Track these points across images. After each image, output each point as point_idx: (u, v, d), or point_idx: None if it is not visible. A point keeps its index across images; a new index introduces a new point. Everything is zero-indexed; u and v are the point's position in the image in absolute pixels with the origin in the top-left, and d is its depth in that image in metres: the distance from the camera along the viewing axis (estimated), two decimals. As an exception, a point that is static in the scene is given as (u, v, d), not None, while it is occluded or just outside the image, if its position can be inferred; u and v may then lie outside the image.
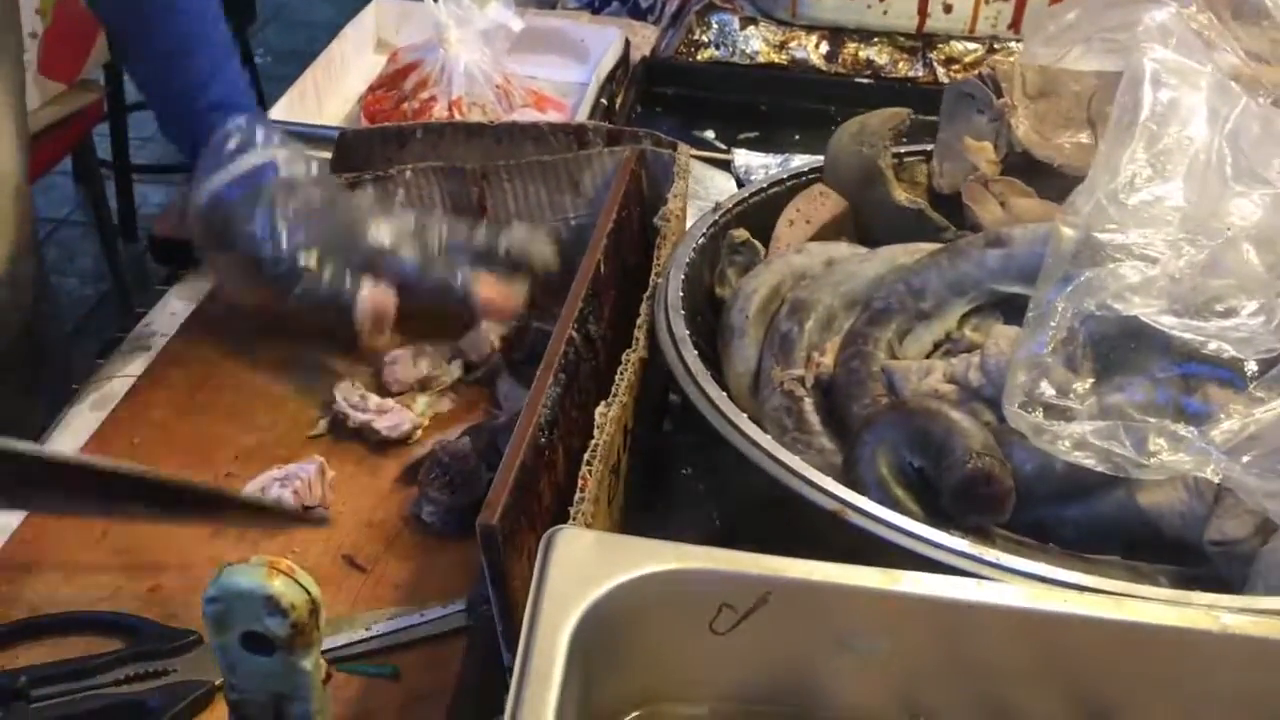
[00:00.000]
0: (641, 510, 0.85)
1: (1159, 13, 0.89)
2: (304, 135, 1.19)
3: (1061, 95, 0.92)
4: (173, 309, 1.11)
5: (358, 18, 1.51)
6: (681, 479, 0.91)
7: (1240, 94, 0.82)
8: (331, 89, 1.41)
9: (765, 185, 1.00)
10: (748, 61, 1.53)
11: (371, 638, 0.77)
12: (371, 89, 1.37)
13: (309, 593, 0.52)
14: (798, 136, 1.43)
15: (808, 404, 0.81)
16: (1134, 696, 0.63)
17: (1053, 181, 0.88)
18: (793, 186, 1.00)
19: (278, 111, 1.27)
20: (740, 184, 1.29)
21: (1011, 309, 0.81)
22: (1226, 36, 0.91)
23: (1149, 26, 0.88)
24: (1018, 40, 1.52)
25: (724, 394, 0.76)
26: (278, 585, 0.51)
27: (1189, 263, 0.73)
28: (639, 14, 1.88)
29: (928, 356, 0.82)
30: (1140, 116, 0.78)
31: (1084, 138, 0.89)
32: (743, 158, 1.35)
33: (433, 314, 1.01)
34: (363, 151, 1.15)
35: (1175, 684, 0.62)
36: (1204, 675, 0.61)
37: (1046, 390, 0.70)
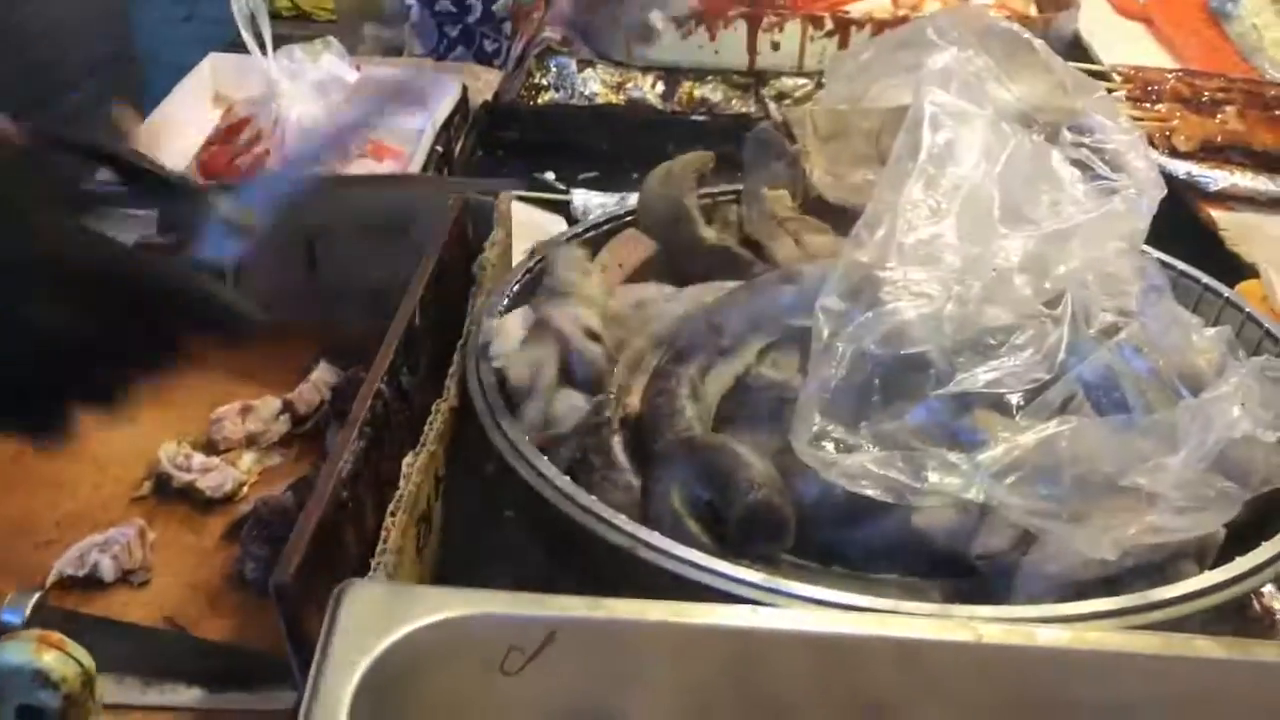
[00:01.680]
0: (465, 556, 0.87)
1: (941, 56, 0.94)
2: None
3: (852, 135, 0.96)
4: (-2, 376, 1.09)
5: (193, 72, 1.50)
6: (506, 522, 0.93)
7: (1011, 134, 0.87)
8: (169, 144, 1.41)
9: (582, 230, 1.03)
10: (586, 103, 1.57)
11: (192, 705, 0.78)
12: (207, 144, 1.37)
13: (81, 665, 0.52)
14: (636, 175, 1.45)
15: (616, 443, 0.83)
16: (912, 709, 0.67)
17: (850, 218, 0.92)
18: (610, 230, 1.03)
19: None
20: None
21: (809, 342, 0.85)
22: (1003, 79, 0.97)
23: (931, 70, 0.93)
24: (845, 75, 1.58)
25: (525, 437, 0.78)
26: (48, 660, 0.52)
27: (961, 299, 0.78)
28: (484, 59, 1.91)
29: (729, 391, 0.85)
30: (918, 158, 0.83)
31: (873, 175, 0.93)
32: (581, 198, 1.38)
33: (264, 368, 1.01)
34: (190, 209, 1.15)
35: (946, 694, 0.66)
36: (970, 684, 0.65)
37: (830, 426, 0.74)
